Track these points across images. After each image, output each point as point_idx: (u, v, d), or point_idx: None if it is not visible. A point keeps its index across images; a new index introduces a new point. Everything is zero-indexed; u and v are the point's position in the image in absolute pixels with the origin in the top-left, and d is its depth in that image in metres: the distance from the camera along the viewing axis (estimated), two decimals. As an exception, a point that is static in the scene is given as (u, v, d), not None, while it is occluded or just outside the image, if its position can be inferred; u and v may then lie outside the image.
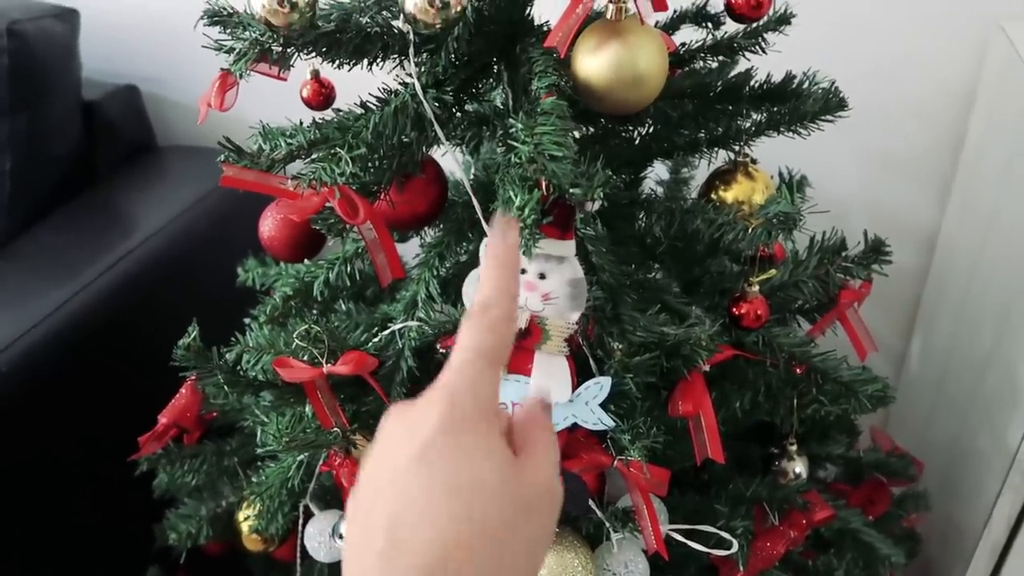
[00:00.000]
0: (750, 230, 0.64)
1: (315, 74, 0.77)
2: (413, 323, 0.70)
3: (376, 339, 0.70)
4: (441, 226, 0.76)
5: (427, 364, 0.70)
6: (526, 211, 0.52)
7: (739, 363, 0.73)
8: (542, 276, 0.57)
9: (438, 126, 0.60)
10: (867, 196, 1.20)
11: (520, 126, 0.52)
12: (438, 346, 0.64)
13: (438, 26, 0.56)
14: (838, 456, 0.87)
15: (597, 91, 0.57)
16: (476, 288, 0.60)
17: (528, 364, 0.57)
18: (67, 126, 1.25)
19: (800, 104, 0.69)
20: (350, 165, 0.56)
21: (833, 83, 0.68)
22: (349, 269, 0.77)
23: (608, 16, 0.57)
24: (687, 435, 0.64)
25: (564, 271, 0.57)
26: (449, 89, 0.61)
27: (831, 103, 0.68)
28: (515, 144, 0.52)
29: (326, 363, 0.64)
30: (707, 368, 0.62)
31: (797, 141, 0.73)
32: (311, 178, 0.55)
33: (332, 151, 0.56)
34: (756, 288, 0.68)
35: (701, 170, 0.89)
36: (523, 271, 0.57)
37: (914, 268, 1.22)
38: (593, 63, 0.57)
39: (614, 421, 0.56)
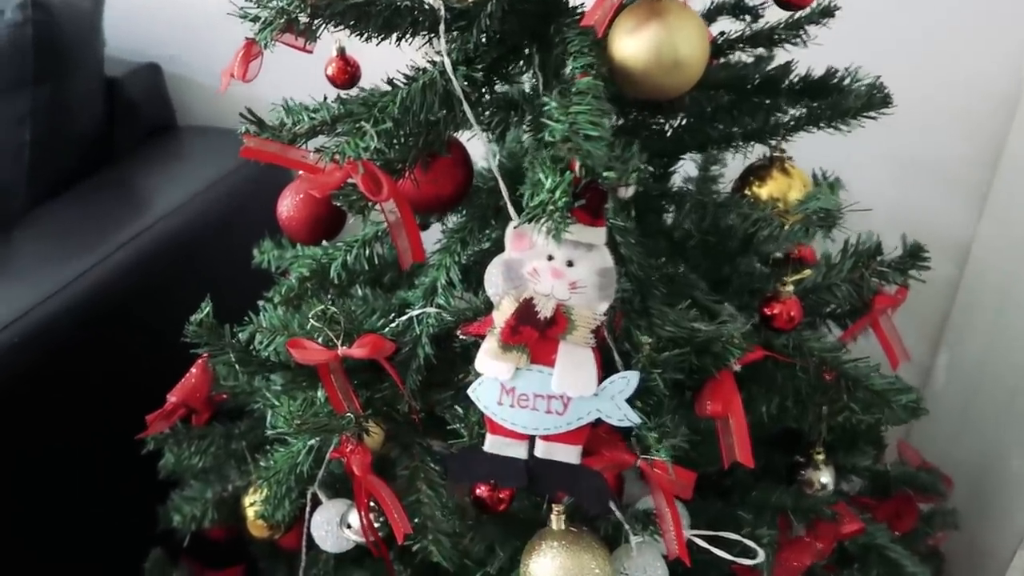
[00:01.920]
0: (787, 227, 0.62)
1: (341, 51, 0.75)
2: (432, 309, 0.68)
3: (393, 325, 0.68)
4: (464, 212, 0.74)
5: (445, 352, 0.68)
6: (557, 193, 0.49)
7: (767, 366, 0.70)
8: (570, 264, 0.54)
9: (467, 105, 0.58)
10: (898, 202, 1.17)
11: (554, 104, 0.50)
12: (458, 333, 0.62)
13: (471, 0, 0.54)
14: (864, 468, 0.84)
15: (633, 74, 0.55)
16: (498, 274, 0.58)
17: (552, 354, 0.54)
18: (88, 102, 1.23)
19: (842, 100, 0.66)
20: (375, 140, 0.54)
21: (878, 78, 0.65)
22: (368, 252, 0.75)
23: (649, -4, 0.54)
24: (711, 437, 0.62)
25: (593, 259, 0.54)
26: (479, 67, 0.58)
27: (875, 99, 0.65)
28: (548, 123, 0.50)
29: (341, 346, 0.62)
30: (737, 368, 0.59)
31: (827, 143, 0.70)
32: (334, 151, 0.53)
33: (357, 125, 0.54)
34: (790, 288, 0.65)
35: (731, 168, 0.86)
36: (550, 258, 0.55)
37: (944, 278, 1.19)
38: (631, 44, 0.54)
39: (640, 418, 0.54)
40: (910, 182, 1.15)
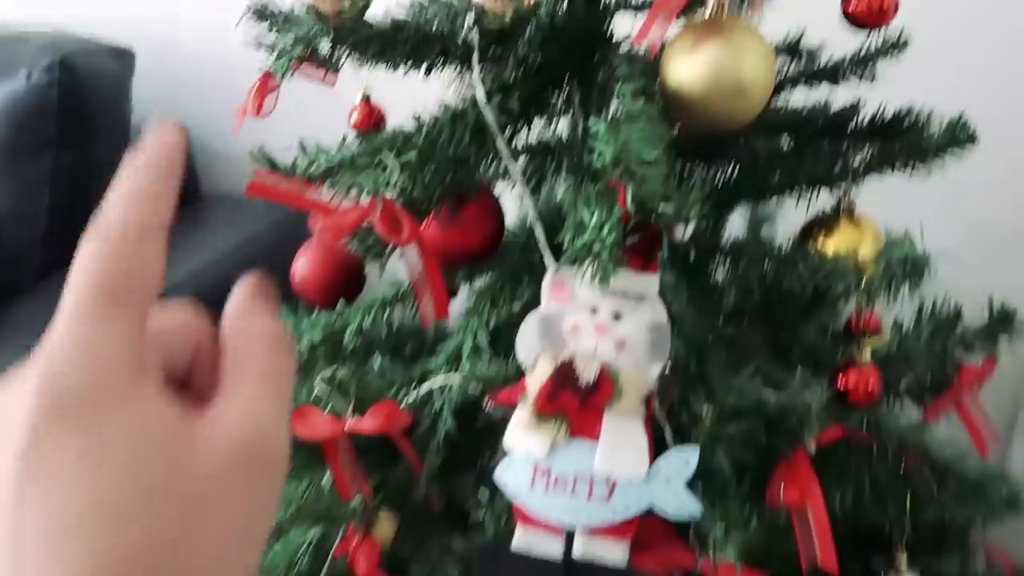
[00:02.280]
0: (864, 281, 0.53)
1: (366, 97, 0.71)
2: (456, 378, 0.60)
3: (411, 397, 0.60)
4: (490, 275, 0.66)
5: (469, 430, 0.60)
6: (605, 229, 0.42)
7: (840, 450, 0.61)
8: (616, 317, 0.46)
9: (500, 139, 0.52)
10: (968, 268, 1.07)
11: (603, 128, 0.43)
12: (485, 403, 0.53)
13: (508, 18, 0.48)
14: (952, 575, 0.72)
15: (691, 101, 0.48)
16: (533, 332, 0.50)
17: (595, 427, 0.46)
18: (112, 167, 1.19)
19: (920, 138, 0.59)
20: (397, 173, 0.47)
21: (962, 114, 0.58)
22: (386, 315, 0.68)
23: (707, 13, 0.48)
24: (781, 531, 0.52)
25: (643, 313, 0.46)
26: (516, 95, 0.52)
27: (959, 136, 0.57)
28: (597, 146, 0.43)
29: (351, 416, 0.54)
30: (813, 448, 0.50)
31: (888, 203, 0.62)
32: (350, 183, 0.47)
33: (377, 157, 0.48)
34: (868, 354, 0.56)
35: (783, 231, 0.79)
36: (594, 310, 0.47)
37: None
38: (688, 66, 0.48)
39: (702, 506, 0.44)
40: (975, 245, 1.06)
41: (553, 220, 0.64)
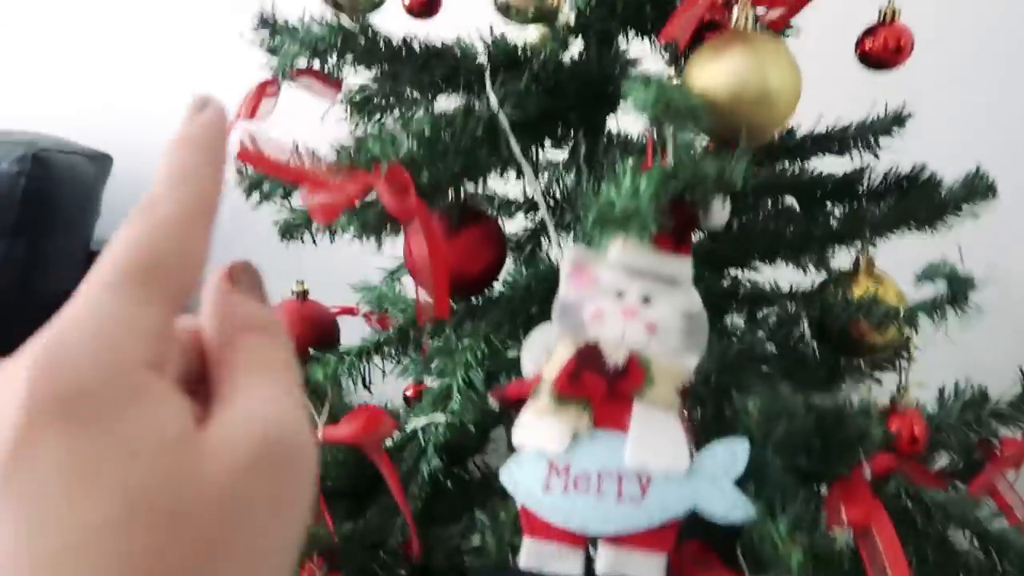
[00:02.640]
0: (903, 311, 0.49)
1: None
2: (441, 417, 0.52)
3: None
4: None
5: (458, 468, 0.51)
6: (643, 187, 0.38)
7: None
8: (646, 300, 0.41)
9: (513, 142, 0.49)
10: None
11: (633, 84, 0.41)
12: (490, 396, 0.46)
13: (530, 14, 0.47)
14: None
15: (717, 107, 0.46)
16: (538, 350, 0.44)
17: (623, 418, 0.39)
18: (65, 267, 1.14)
19: (936, 194, 0.58)
20: (408, 141, 0.43)
21: (978, 167, 0.57)
22: (364, 364, 0.61)
23: (733, 24, 0.48)
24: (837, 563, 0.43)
25: (676, 298, 0.41)
26: (532, 102, 0.50)
27: (978, 188, 0.56)
28: (631, 95, 0.40)
29: (322, 425, 0.45)
30: (869, 474, 0.43)
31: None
32: (355, 148, 0.43)
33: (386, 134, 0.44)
34: (912, 397, 0.51)
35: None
36: (620, 294, 0.42)
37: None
38: (712, 72, 0.46)
39: (757, 508, 0.37)
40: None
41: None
